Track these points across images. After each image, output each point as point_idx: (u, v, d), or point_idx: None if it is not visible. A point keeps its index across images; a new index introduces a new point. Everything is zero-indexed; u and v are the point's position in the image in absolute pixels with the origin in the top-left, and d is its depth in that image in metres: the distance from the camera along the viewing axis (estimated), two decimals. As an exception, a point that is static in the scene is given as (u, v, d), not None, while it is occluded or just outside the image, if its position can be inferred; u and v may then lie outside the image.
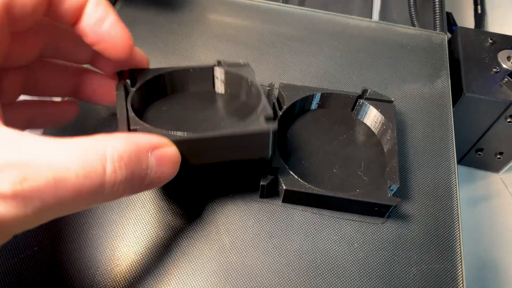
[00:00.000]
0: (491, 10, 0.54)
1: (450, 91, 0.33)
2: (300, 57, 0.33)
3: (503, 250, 0.40)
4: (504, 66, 0.38)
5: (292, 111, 0.29)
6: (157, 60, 0.33)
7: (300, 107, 0.30)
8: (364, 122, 0.29)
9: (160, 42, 0.34)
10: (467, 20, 0.55)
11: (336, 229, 0.26)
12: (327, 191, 0.25)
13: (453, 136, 0.30)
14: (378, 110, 0.28)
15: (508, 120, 0.38)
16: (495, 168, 0.43)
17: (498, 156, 0.42)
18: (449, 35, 0.44)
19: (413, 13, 0.41)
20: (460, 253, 0.26)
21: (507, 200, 0.42)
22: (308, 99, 0.29)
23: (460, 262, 0.25)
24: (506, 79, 0.37)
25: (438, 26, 0.39)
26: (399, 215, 0.27)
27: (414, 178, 0.28)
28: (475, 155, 0.42)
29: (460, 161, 0.44)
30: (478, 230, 0.40)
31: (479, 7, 0.55)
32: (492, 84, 0.37)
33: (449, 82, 0.33)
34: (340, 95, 0.29)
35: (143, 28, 0.34)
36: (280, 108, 0.28)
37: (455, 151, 0.30)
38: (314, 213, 0.26)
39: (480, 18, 0.54)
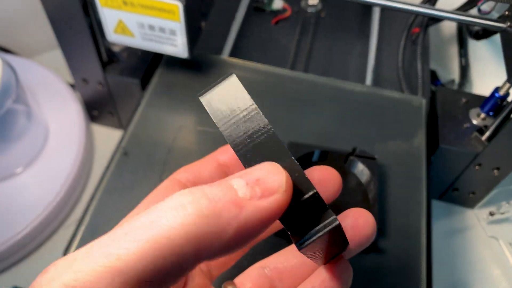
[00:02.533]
0: (474, 62, 0.62)
1: (425, 147, 0.41)
2: (304, 116, 0.42)
3: (475, 277, 0.47)
4: (474, 122, 0.46)
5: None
6: (192, 119, 0.41)
7: (304, 161, 0.38)
8: (354, 173, 0.38)
9: (195, 103, 0.42)
10: (453, 71, 0.63)
11: (329, 258, 0.34)
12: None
13: (425, 185, 0.38)
14: (364, 165, 0.36)
15: (477, 167, 0.45)
16: (469, 204, 0.51)
17: (471, 195, 0.50)
18: (434, 87, 0.52)
19: (400, 75, 0.49)
20: (424, 280, 0.33)
21: (479, 233, 0.50)
22: (310, 154, 0.37)
23: (425, 286, 0.33)
24: (475, 134, 0.45)
25: (419, 90, 0.47)
26: (378, 248, 0.34)
27: (391, 219, 0.36)
28: (452, 192, 0.50)
29: (440, 197, 0.51)
30: (452, 259, 0.48)
31: (463, 59, 0.63)
32: (463, 138, 0.45)
33: (425, 139, 0.41)
34: (335, 152, 0.37)
35: (180, 90, 0.43)
36: (288, 162, 0.36)
37: (425, 197, 0.38)
38: (313, 245, 0.34)
39: (464, 69, 0.62)
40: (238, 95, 0.17)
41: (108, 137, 0.54)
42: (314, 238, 0.16)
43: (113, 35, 0.39)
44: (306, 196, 0.16)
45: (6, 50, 0.58)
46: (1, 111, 0.42)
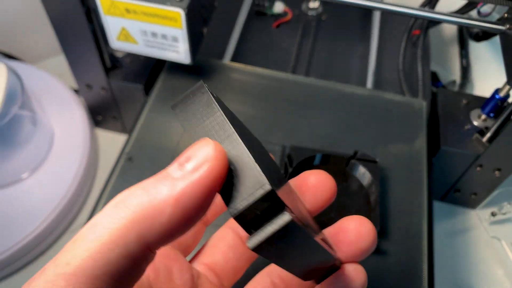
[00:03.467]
0: (475, 63, 0.62)
1: (426, 149, 0.41)
2: (306, 120, 0.42)
3: (477, 278, 0.47)
4: (475, 123, 0.46)
5: (300, 167, 0.38)
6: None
7: (306, 164, 0.38)
8: (356, 177, 0.38)
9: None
10: (454, 72, 0.63)
11: (332, 260, 0.34)
12: (325, 232, 0.33)
13: (426, 187, 0.38)
14: (365, 168, 0.37)
15: (478, 168, 0.46)
16: (471, 205, 0.51)
17: (473, 196, 0.50)
18: (435, 89, 0.53)
19: (401, 77, 0.49)
20: (426, 281, 0.34)
21: (481, 233, 0.50)
22: (312, 158, 0.38)
23: (426, 287, 0.34)
24: (476, 135, 0.45)
25: (420, 92, 0.47)
26: (380, 250, 0.35)
27: (393, 222, 0.36)
28: (454, 193, 0.50)
29: (442, 199, 0.52)
30: (455, 260, 0.48)
31: (464, 60, 0.63)
32: (464, 139, 0.45)
33: (426, 142, 0.41)
34: (336, 155, 0.38)
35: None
36: (291, 165, 0.37)
37: (426, 199, 0.38)
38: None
39: (465, 70, 0.62)
40: (205, 105, 0.17)
41: (112, 142, 0.54)
42: (262, 235, 0.15)
43: (116, 42, 0.39)
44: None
45: (10, 57, 0.58)
46: (7, 118, 0.42)
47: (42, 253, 0.46)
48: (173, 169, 0.15)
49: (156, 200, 0.14)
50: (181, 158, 0.15)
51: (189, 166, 0.15)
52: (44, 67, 0.59)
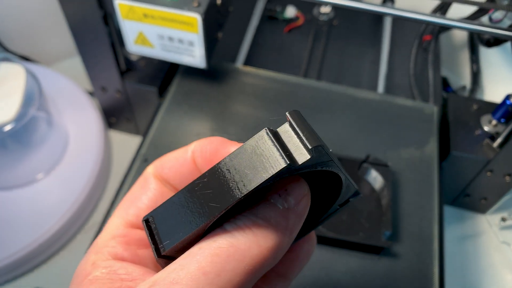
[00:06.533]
0: (485, 68, 0.63)
1: (437, 154, 0.41)
2: (318, 124, 0.43)
3: (486, 282, 0.47)
4: (486, 129, 0.46)
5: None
6: (209, 126, 0.42)
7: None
8: (368, 180, 0.38)
9: (210, 108, 0.43)
10: (464, 77, 0.63)
11: (343, 262, 0.35)
12: (337, 235, 0.34)
13: (437, 191, 0.39)
14: (377, 172, 0.37)
15: (488, 173, 0.46)
16: (481, 210, 0.52)
17: (483, 201, 0.50)
18: (445, 94, 0.53)
19: (412, 82, 0.50)
20: (437, 284, 0.34)
21: (491, 238, 0.50)
22: (324, 161, 0.38)
23: (437, 291, 0.34)
24: (486, 141, 0.45)
25: (431, 97, 0.47)
26: (391, 253, 0.35)
27: (404, 225, 0.37)
28: (464, 198, 0.51)
29: (452, 203, 0.52)
30: (464, 265, 0.48)
31: (474, 66, 0.63)
32: (475, 144, 0.46)
33: (437, 147, 0.42)
34: (349, 160, 0.38)
35: (198, 98, 0.44)
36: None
37: (437, 203, 0.38)
38: (327, 250, 0.35)
39: (475, 75, 0.62)
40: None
41: (125, 143, 0.55)
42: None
43: (133, 46, 0.40)
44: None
45: (26, 59, 0.59)
46: (25, 119, 0.43)
47: (56, 252, 0.47)
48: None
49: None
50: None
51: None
52: (59, 68, 0.60)
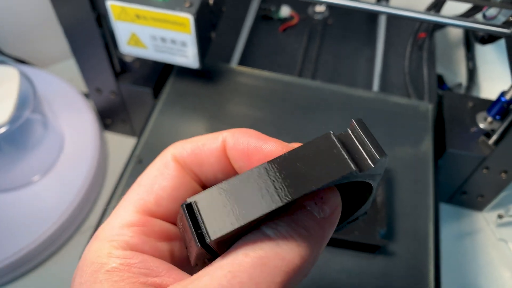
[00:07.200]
0: (481, 65, 0.63)
1: (432, 152, 0.41)
2: (313, 123, 0.43)
3: (484, 280, 0.47)
4: (481, 126, 0.46)
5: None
6: (203, 127, 0.42)
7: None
8: (362, 178, 0.38)
9: (204, 109, 0.43)
10: (460, 74, 0.63)
11: (339, 261, 0.35)
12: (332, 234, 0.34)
13: (432, 190, 0.39)
14: (372, 170, 0.37)
15: (484, 170, 0.46)
16: (478, 207, 0.52)
17: (480, 198, 0.50)
18: (441, 91, 0.53)
19: (407, 80, 0.50)
20: (432, 283, 0.34)
21: (488, 235, 0.50)
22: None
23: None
24: (482, 138, 0.45)
25: (426, 95, 0.47)
26: (387, 252, 0.35)
27: (399, 223, 0.37)
28: (461, 196, 0.51)
29: (448, 201, 0.52)
30: (461, 262, 0.48)
31: (470, 63, 0.63)
32: (470, 142, 0.45)
33: (432, 144, 0.42)
34: (343, 158, 0.38)
35: (192, 99, 0.44)
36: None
37: (432, 201, 0.38)
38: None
39: (471, 72, 0.62)
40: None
41: (121, 144, 0.55)
42: None
43: (126, 47, 0.40)
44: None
45: (20, 61, 0.59)
46: (19, 122, 0.43)
47: (52, 255, 0.47)
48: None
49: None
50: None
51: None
52: (55, 71, 0.60)
